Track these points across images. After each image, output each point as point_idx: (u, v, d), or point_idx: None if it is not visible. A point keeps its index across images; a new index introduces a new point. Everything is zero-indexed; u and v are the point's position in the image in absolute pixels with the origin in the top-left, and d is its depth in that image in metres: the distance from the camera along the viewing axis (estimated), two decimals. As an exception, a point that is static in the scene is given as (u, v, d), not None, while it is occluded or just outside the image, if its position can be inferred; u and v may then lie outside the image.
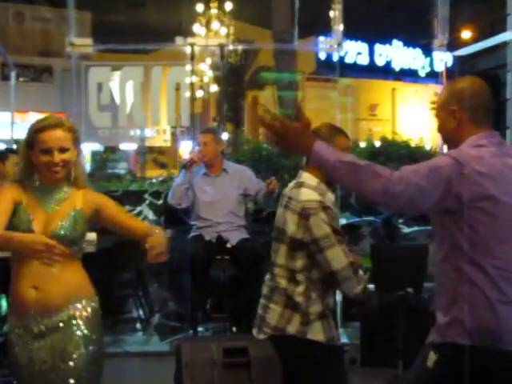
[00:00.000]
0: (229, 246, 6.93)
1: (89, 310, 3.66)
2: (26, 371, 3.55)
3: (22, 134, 12.06)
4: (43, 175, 3.58)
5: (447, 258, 3.21)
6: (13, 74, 10.35)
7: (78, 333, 3.59)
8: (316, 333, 4.04)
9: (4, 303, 6.83)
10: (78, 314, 3.61)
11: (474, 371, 3.10)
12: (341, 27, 8.01)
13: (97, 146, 25.26)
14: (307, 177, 4.02)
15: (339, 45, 8.13)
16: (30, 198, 3.57)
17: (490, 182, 3.05)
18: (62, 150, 3.50)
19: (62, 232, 3.52)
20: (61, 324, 3.56)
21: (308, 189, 3.97)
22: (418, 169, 3.10)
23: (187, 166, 7.11)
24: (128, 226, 3.75)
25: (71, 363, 3.54)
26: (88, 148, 25.53)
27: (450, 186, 3.04)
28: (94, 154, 25.47)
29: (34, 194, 3.59)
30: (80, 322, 3.60)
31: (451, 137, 3.29)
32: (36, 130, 3.54)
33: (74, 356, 3.56)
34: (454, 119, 3.23)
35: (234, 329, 7.03)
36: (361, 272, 3.92)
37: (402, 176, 3.02)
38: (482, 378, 3.11)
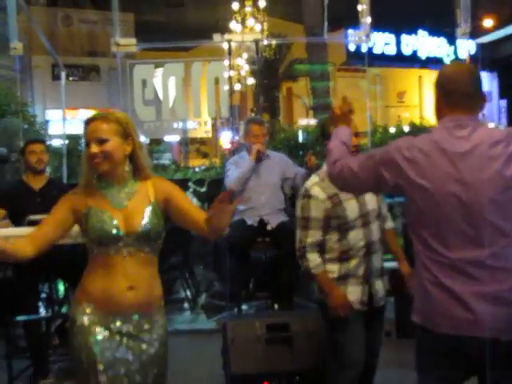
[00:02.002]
0: (269, 228, 6.94)
1: (165, 316, 3.49)
2: (105, 372, 3.23)
3: (73, 129, 12.20)
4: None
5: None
6: (63, 74, 10.42)
7: (162, 333, 3.41)
8: None
9: (61, 287, 6.91)
10: (161, 320, 3.42)
11: (427, 351, 3.12)
12: (368, 19, 7.96)
13: (142, 139, 25.47)
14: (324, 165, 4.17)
15: (367, 36, 8.08)
16: (98, 199, 3.31)
17: (411, 166, 2.98)
18: (101, 142, 3.22)
19: (147, 228, 3.28)
20: (148, 326, 3.34)
21: (314, 175, 4.42)
22: (363, 156, 3.31)
23: (258, 158, 7.01)
24: (192, 216, 3.42)
25: (156, 370, 3.39)
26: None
27: (379, 173, 3.10)
28: (141, 146, 25.61)
29: (101, 194, 3.33)
30: (162, 330, 3.42)
31: (437, 119, 3.23)
32: (84, 126, 3.29)
33: (162, 365, 3.43)
34: (436, 103, 3.19)
35: (276, 306, 7.02)
36: (313, 258, 4.30)
37: (344, 162, 3.27)
38: (434, 359, 3.07)
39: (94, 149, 3.21)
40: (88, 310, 3.28)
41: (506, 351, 2.93)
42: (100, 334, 3.26)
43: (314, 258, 4.29)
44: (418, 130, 13.70)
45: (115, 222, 3.25)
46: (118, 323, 3.29)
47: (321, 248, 4.31)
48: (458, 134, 3.00)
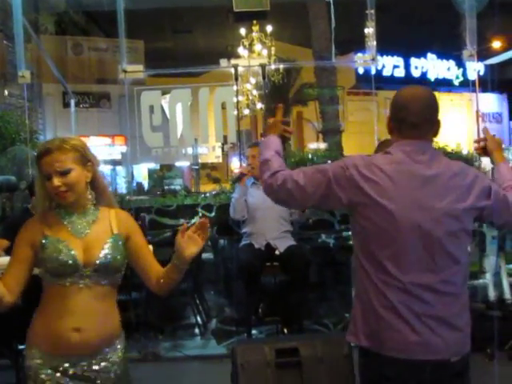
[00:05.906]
0: (277, 253, 6.93)
1: (122, 350, 3.27)
2: None
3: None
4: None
5: (354, 254, 3.17)
6: (72, 102, 10.53)
7: (113, 375, 3.20)
8: None
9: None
10: (114, 357, 3.21)
11: (374, 376, 3.04)
12: (374, 43, 8.00)
13: (152, 165, 25.53)
14: None
15: (373, 60, 8.10)
16: (56, 227, 3.16)
17: (371, 185, 2.94)
18: (63, 174, 3.06)
19: (106, 260, 3.11)
20: (98, 367, 3.15)
21: None
22: (308, 169, 3.17)
23: (239, 179, 7.21)
24: (147, 262, 3.27)
25: None
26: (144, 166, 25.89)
27: (331, 188, 3.03)
28: (151, 172, 25.69)
29: (60, 223, 3.17)
30: (115, 367, 3.20)
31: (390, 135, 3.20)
32: (38, 157, 3.12)
33: None
34: (388, 123, 3.17)
35: (286, 330, 7.00)
36: None
37: (286, 173, 3.15)
38: (371, 381, 3.04)
39: (57, 182, 3.07)
40: (37, 354, 3.14)
41: (456, 370, 2.99)
42: (48, 379, 3.11)
43: None
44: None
45: (72, 252, 3.08)
46: (66, 365, 3.11)
47: None
48: (417, 159, 2.99)
